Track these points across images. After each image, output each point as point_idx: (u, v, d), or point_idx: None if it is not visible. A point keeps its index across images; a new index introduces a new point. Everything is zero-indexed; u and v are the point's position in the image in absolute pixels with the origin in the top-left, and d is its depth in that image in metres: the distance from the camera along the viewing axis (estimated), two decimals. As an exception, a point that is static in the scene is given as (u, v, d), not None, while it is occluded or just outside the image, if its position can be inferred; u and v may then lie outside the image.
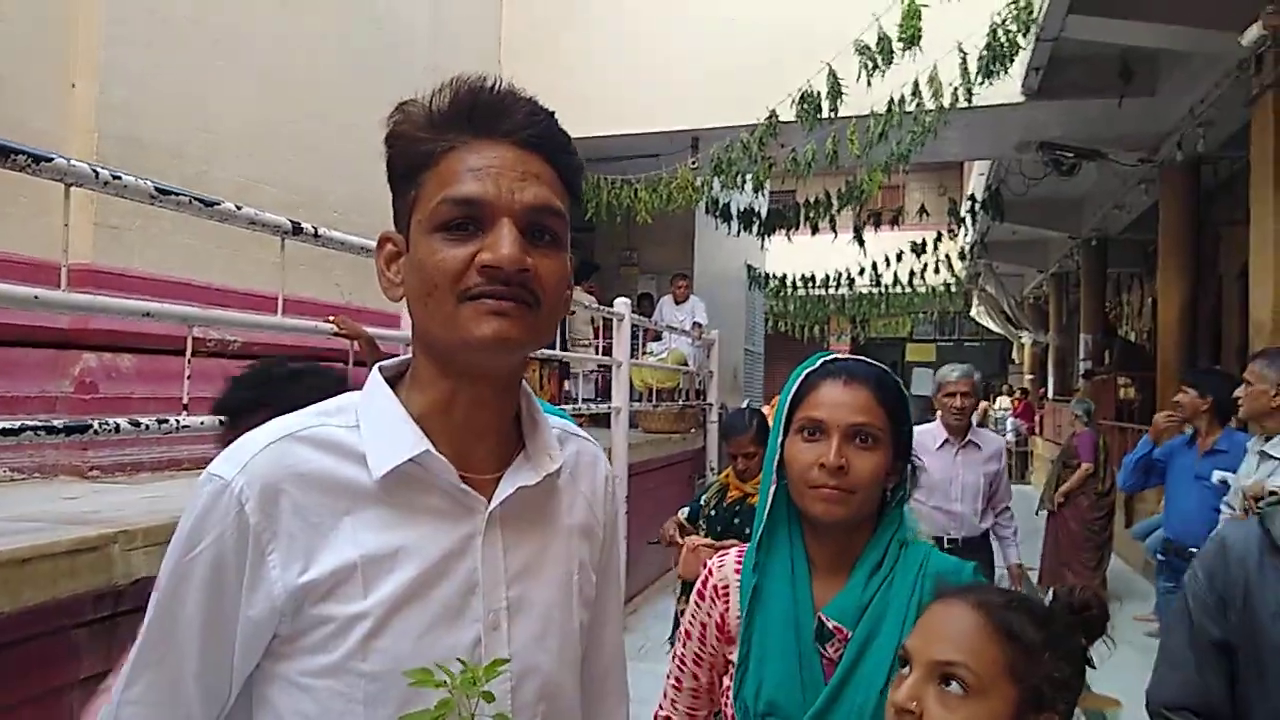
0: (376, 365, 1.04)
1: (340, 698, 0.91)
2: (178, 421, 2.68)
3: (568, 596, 1.06)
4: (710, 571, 1.56)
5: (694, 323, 9.37)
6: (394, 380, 1.02)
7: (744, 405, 5.42)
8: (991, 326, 23.27)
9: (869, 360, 1.52)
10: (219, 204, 2.80)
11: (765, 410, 5.14)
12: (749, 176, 8.89)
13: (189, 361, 2.85)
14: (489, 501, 0.99)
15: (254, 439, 0.95)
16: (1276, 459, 3.34)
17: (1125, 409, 11.24)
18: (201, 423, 2.79)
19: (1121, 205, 11.38)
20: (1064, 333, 16.90)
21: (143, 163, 4.59)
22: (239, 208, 2.89)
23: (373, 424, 0.97)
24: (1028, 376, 21.35)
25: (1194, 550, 4.49)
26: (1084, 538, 7.47)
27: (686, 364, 9.19)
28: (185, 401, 2.77)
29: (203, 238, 5.12)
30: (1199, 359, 9.18)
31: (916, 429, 3.75)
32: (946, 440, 4.24)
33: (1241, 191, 6.88)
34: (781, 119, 7.98)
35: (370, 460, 0.95)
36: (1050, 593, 1.16)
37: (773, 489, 1.47)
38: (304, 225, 3.19)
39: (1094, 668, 1.12)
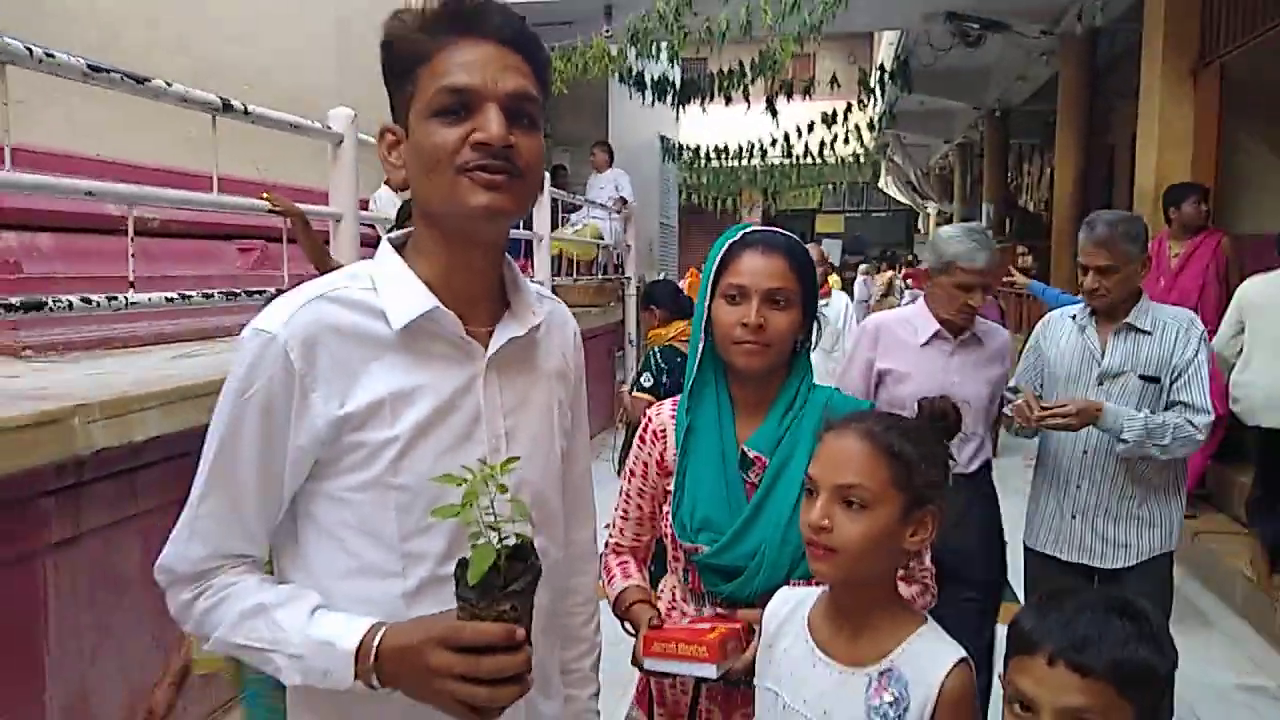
0: (385, 237, 1.21)
1: (375, 507, 1.12)
2: (126, 299, 2.75)
3: (550, 427, 1.28)
4: (650, 419, 1.81)
5: (619, 197, 9.41)
6: (398, 249, 1.20)
7: (660, 276, 5.68)
8: (898, 197, 23.79)
9: (783, 231, 1.74)
10: (150, 81, 2.81)
11: (684, 284, 5.39)
12: (664, 46, 8.87)
13: (132, 240, 2.90)
14: (486, 349, 1.18)
15: (291, 299, 1.13)
16: (1145, 331, 2.75)
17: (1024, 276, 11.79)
18: (149, 300, 2.87)
19: (1024, 77, 11.68)
20: (967, 202, 17.41)
21: (40, 28, 4.39)
22: (169, 84, 2.90)
23: (388, 285, 1.15)
24: (932, 245, 21.95)
25: None
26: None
27: (602, 237, 9.30)
28: (132, 280, 2.84)
29: (107, 110, 4.95)
30: (1090, 226, 9.65)
31: (887, 316, 3.08)
32: (937, 334, 2.88)
33: (1134, 64, 7.18)
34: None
35: (390, 315, 1.13)
36: (917, 406, 1.41)
37: (701, 345, 1.71)
38: (233, 102, 3.20)
39: (956, 461, 1.39)
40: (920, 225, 24.96)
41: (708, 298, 1.69)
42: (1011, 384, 2.96)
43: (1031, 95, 12.40)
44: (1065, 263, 9.11)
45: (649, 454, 1.78)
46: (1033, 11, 9.46)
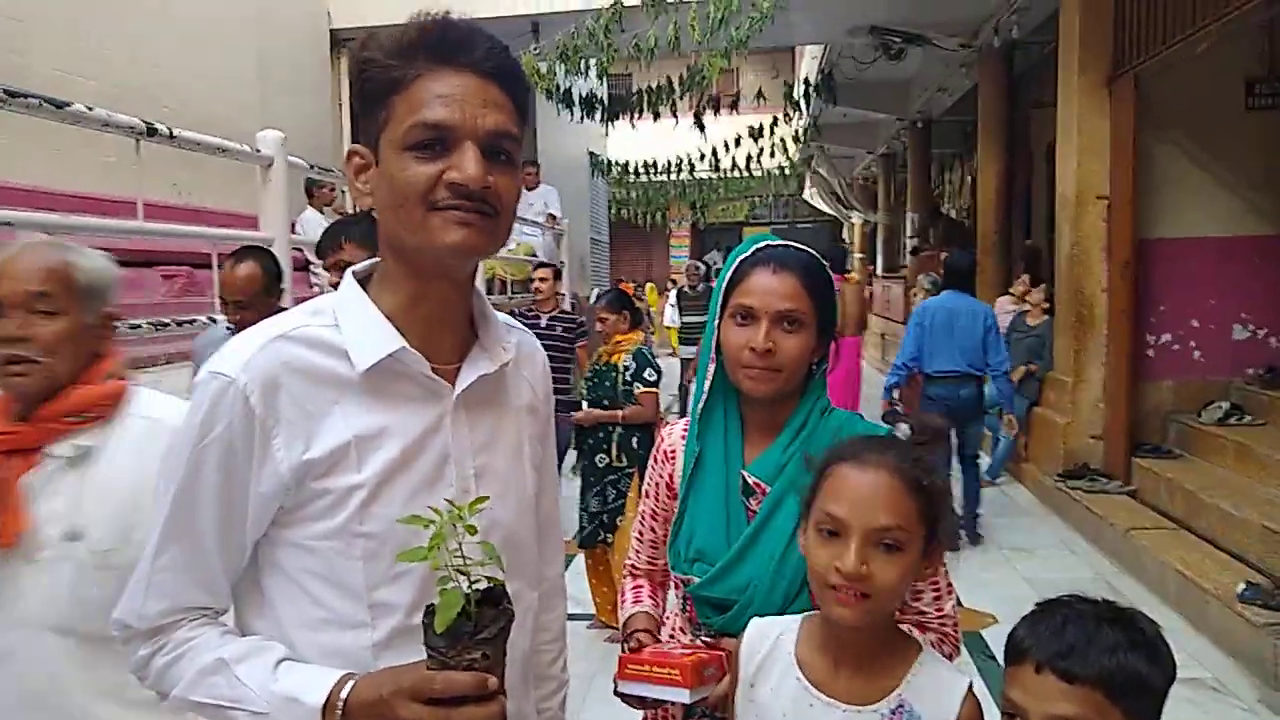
0: (349, 269, 1.15)
1: (341, 555, 1.07)
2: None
3: (520, 464, 1.24)
4: (663, 437, 1.73)
5: (549, 214, 9.37)
6: (363, 282, 1.15)
7: (595, 291, 5.72)
8: (824, 208, 24.13)
9: (798, 246, 1.59)
10: (69, 106, 2.69)
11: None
12: (594, 63, 8.88)
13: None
14: (454, 386, 1.14)
15: (250, 339, 1.07)
16: None
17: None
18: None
19: (944, 88, 11.96)
20: (892, 212, 17.74)
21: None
22: (90, 108, 2.78)
23: (351, 323, 1.10)
24: (857, 255, 22.37)
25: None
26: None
27: (535, 254, 9.23)
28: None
29: (8, 137, 4.76)
30: (1013, 232, 9.92)
31: None
32: None
33: (1049, 75, 7.39)
34: (625, 3, 7.99)
35: (353, 356, 1.08)
36: (908, 427, 1.37)
37: (711, 365, 1.61)
38: (158, 126, 3.10)
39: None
40: (845, 235, 25.33)
41: (718, 316, 1.59)
42: None
43: (952, 106, 12.69)
44: (990, 268, 9.33)
45: (660, 475, 1.70)
46: (951, 25, 9.70)
